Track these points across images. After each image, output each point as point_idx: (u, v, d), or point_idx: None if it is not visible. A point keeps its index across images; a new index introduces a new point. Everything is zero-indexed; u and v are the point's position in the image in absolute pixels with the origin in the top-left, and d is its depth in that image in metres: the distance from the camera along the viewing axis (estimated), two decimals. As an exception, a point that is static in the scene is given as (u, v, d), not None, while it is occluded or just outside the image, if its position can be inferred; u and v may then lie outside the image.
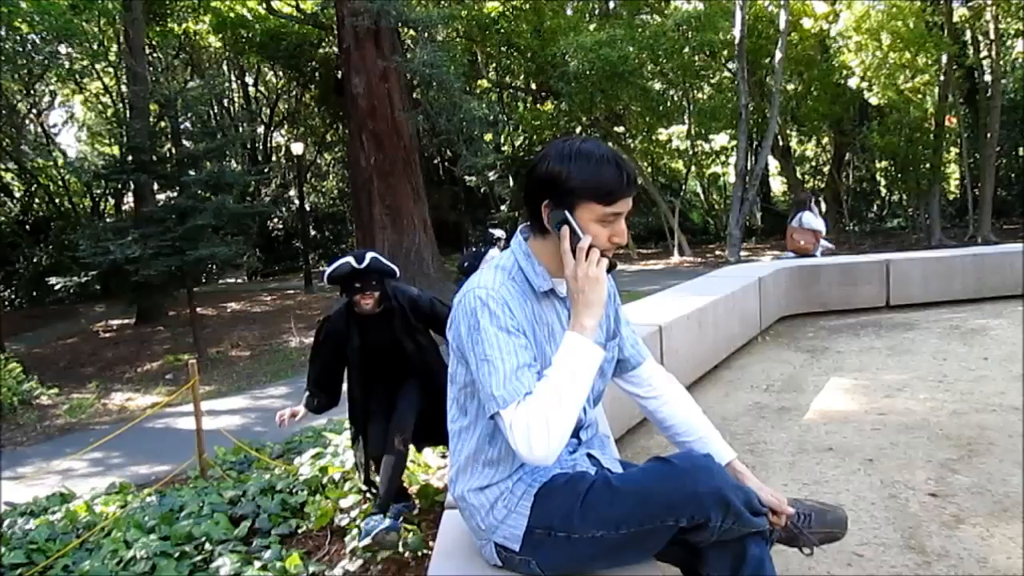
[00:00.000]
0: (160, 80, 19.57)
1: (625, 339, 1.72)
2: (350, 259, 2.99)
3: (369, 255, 3.01)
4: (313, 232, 26.55)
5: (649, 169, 23.61)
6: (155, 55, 21.87)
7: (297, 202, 24.64)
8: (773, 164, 25.22)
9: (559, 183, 1.40)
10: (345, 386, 3.28)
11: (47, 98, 21.75)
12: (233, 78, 25.63)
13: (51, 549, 3.55)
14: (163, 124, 14.49)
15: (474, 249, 11.30)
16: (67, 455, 6.81)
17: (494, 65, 23.83)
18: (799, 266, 6.33)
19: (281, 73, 24.78)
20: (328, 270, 3.07)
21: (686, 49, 18.48)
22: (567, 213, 1.40)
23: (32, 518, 4.24)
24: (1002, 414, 3.45)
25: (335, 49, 18.05)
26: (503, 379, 1.34)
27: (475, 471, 1.50)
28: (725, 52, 19.41)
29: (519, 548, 1.45)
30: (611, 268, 1.43)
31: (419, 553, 2.92)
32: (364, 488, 3.27)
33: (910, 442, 3.19)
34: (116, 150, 20.48)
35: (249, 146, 24.23)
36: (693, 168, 23.77)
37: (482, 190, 23.83)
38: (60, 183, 21.99)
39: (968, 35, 18.79)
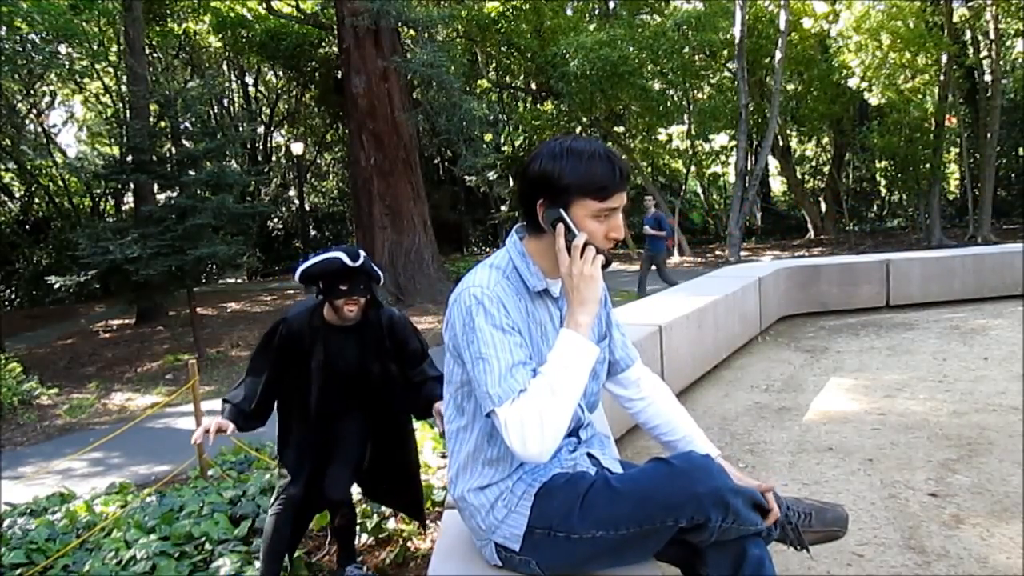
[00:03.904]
0: (160, 80, 19.57)
1: (616, 341, 1.73)
2: (341, 255, 2.50)
3: (362, 253, 2.55)
4: (313, 232, 26.56)
5: (649, 169, 23.61)
6: (155, 55, 21.85)
7: (297, 202, 24.67)
8: (773, 164, 25.23)
9: (553, 181, 1.41)
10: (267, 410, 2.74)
11: (47, 98, 21.73)
12: (233, 78, 25.61)
13: (51, 549, 3.54)
14: (163, 124, 14.45)
15: None
16: (67, 455, 6.80)
17: (494, 65, 23.82)
18: (799, 266, 6.33)
19: (281, 73, 24.76)
20: (308, 263, 2.54)
21: (686, 49, 18.48)
22: (562, 211, 1.41)
23: (32, 518, 4.24)
24: (1002, 414, 3.45)
25: (335, 49, 18.05)
26: (498, 377, 1.34)
27: (475, 471, 1.50)
28: (725, 52, 19.41)
29: (519, 548, 1.45)
30: (606, 266, 1.43)
31: (419, 553, 2.93)
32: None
33: (910, 442, 3.19)
34: (116, 150, 20.47)
35: (249, 146, 24.21)
36: (693, 168, 23.77)
37: (482, 190, 23.79)
38: (60, 183, 21.98)
39: (968, 35, 18.79)
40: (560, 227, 1.41)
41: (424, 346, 2.79)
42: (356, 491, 2.99)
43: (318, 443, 2.66)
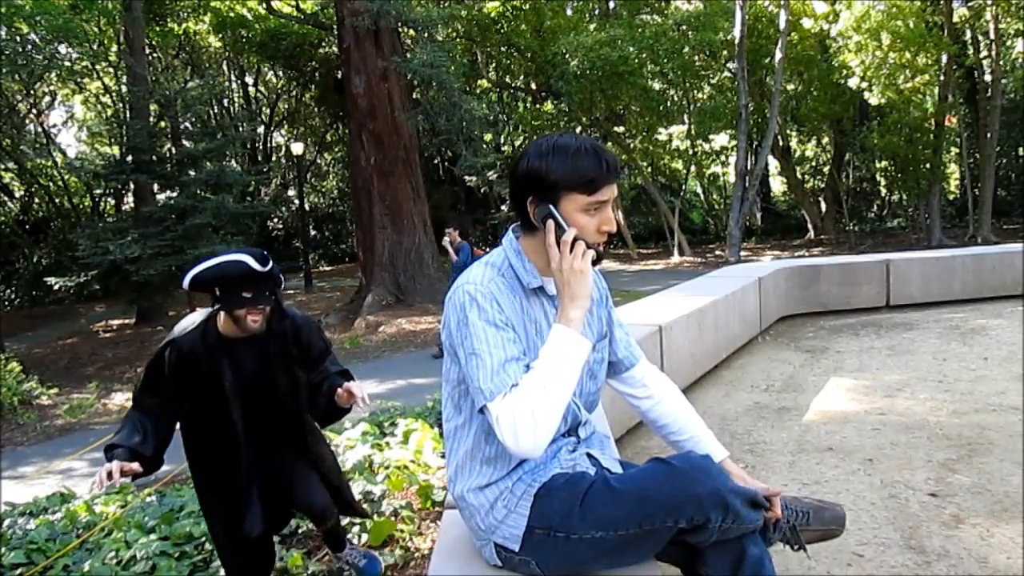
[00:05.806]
0: (160, 80, 19.59)
1: (618, 341, 1.73)
2: (246, 257, 2.15)
3: (267, 254, 2.25)
4: (313, 232, 26.56)
5: (649, 169, 23.62)
6: (155, 55, 21.86)
7: (297, 202, 24.65)
8: (773, 164, 25.22)
9: (541, 178, 1.41)
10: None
11: (47, 98, 21.74)
12: (233, 78, 25.63)
13: (51, 549, 3.54)
14: (163, 124, 14.48)
15: None
16: (67, 455, 6.80)
17: (494, 65, 23.83)
18: (799, 266, 6.33)
19: (281, 73, 24.78)
20: (202, 267, 2.18)
21: (686, 49, 18.48)
22: (551, 207, 1.42)
23: (32, 518, 4.24)
24: (1002, 414, 3.45)
25: (335, 49, 18.05)
26: (490, 372, 1.35)
27: (473, 469, 1.50)
28: (725, 52, 19.40)
29: (519, 548, 1.45)
30: (597, 261, 1.43)
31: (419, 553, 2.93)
32: None
33: (910, 442, 3.19)
34: (116, 150, 20.48)
35: (249, 146, 24.23)
36: (693, 168, 23.75)
37: (482, 190, 23.82)
38: (60, 183, 21.98)
39: (968, 35, 18.79)
40: (550, 223, 1.41)
41: (327, 344, 2.56)
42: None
43: (252, 462, 2.40)
